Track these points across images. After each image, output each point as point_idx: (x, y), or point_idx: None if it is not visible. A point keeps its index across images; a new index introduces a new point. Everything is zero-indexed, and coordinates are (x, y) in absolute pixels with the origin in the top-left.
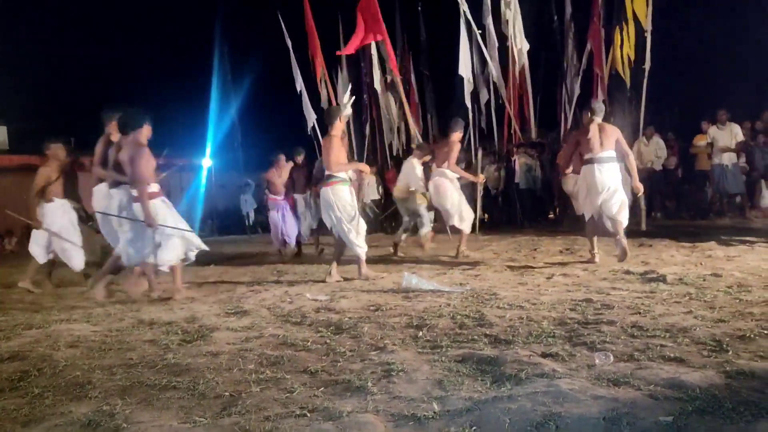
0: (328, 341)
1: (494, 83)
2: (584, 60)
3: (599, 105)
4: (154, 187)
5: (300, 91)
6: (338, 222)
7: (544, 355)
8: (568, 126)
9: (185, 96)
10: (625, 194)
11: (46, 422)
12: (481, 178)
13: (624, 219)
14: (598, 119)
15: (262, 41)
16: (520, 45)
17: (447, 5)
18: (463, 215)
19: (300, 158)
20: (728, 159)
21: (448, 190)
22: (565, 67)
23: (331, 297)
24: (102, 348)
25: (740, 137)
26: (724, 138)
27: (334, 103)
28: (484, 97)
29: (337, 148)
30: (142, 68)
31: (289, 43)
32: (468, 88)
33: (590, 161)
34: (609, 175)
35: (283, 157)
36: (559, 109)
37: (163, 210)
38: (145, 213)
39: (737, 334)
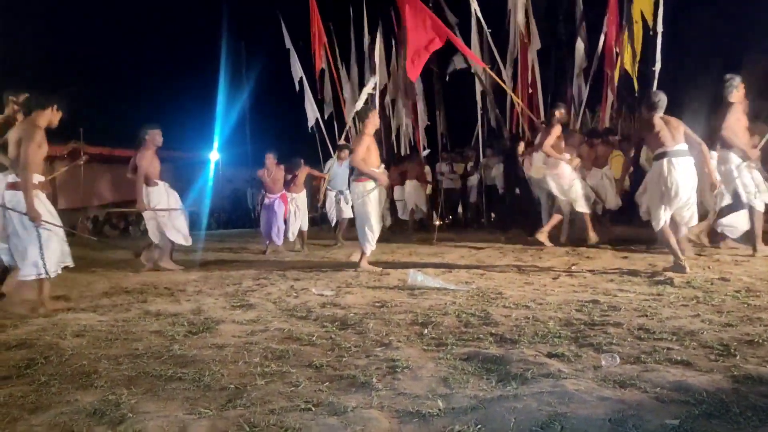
0: (333, 336)
1: (503, 81)
2: (595, 61)
3: (661, 97)
4: (38, 178)
5: (301, 88)
6: (360, 215)
7: (549, 356)
8: (577, 126)
9: (193, 90)
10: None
11: (53, 410)
12: (576, 162)
13: (692, 225)
14: (660, 113)
15: (271, 35)
16: (534, 43)
17: (458, 1)
18: (579, 198)
19: (299, 170)
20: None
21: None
22: (574, 67)
23: (336, 292)
24: (108, 338)
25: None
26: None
27: (341, 99)
28: (488, 94)
29: (365, 146)
30: (149, 61)
31: (288, 42)
32: (479, 86)
33: (663, 155)
34: (687, 173)
35: (270, 156)
36: (568, 109)
37: (42, 206)
38: (28, 204)
39: (745, 338)
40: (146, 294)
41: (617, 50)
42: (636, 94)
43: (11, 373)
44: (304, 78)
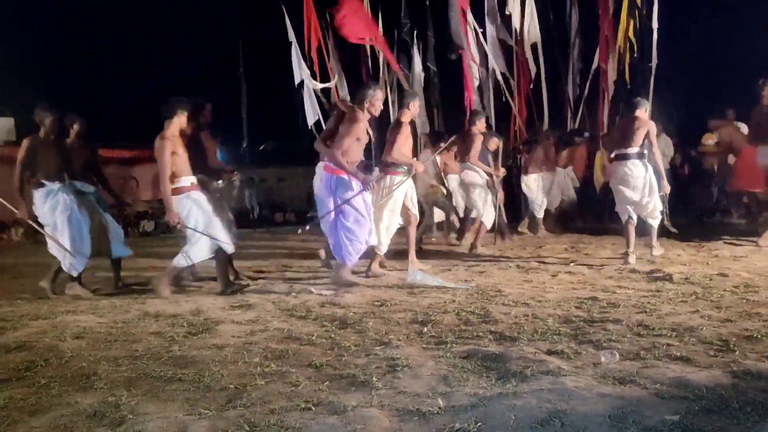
0: (332, 336)
1: (498, 81)
2: (596, 57)
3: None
4: (189, 180)
5: (303, 84)
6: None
7: (549, 353)
8: (576, 124)
9: (189, 87)
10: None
11: (53, 412)
12: (501, 171)
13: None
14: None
15: (268, 31)
16: (533, 39)
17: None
18: (487, 209)
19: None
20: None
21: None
22: (569, 64)
23: (335, 292)
24: (108, 339)
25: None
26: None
27: (336, 93)
28: (487, 94)
29: (404, 135)
30: (148, 58)
31: (292, 35)
32: (474, 83)
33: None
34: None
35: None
36: (566, 107)
37: (189, 206)
38: (166, 207)
39: (744, 334)
40: (145, 295)
41: (612, 44)
42: (640, 82)
43: (11, 376)
44: (308, 74)
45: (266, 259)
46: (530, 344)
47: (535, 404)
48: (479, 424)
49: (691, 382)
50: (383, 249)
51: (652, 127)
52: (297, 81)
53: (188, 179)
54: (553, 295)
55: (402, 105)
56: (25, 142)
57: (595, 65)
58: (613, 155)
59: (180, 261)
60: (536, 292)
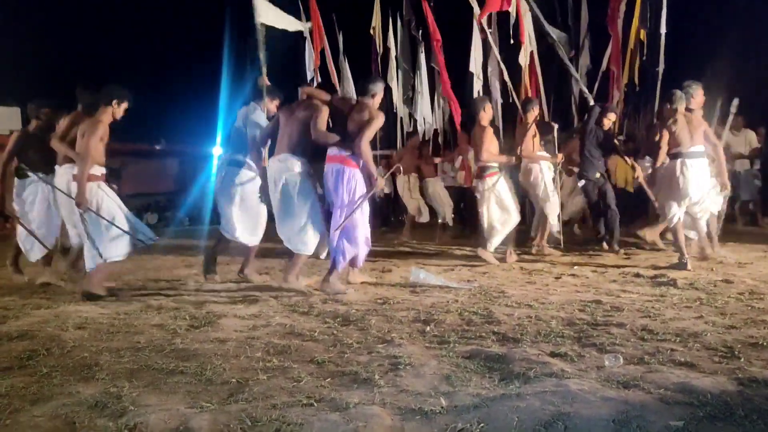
0: (335, 332)
1: (504, 81)
2: (605, 60)
3: (677, 93)
4: (100, 170)
5: (314, 80)
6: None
7: (552, 355)
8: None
9: (196, 82)
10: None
11: (54, 401)
12: (559, 158)
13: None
14: (680, 107)
15: (274, 28)
16: (532, 46)
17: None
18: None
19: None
20: (740, 165)
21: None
22: (577, 65)
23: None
24: (110, 330)
25: (755, 144)
26: (739, 144)
27: (337, 87)
28: (496, 94)
29: (489, 136)
30: (152, 52)
31: (306, 29)
32: (477, 84)
33: (677, 155)
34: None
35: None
36: (573, 108)
37: (98, 197)
38: (79, 191)
39: (749, 341)
40: (147, 287)
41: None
42: (644, 86)
43: (13, 364)
44: (317, 70)
45: (271, 255)
46: (533, 346)
47: (538, 406)
48: (482, 424)
49: (696, 388)
50: (492, 247)
51: (707, 125)
52: (310, 75)
53: (100, 169)
54: (557, 297)
55: (478, 109)
56: (14, 135)
57: (603, 68)
58: (672, 152)
59: (90, 262)
60: (540, 294)
